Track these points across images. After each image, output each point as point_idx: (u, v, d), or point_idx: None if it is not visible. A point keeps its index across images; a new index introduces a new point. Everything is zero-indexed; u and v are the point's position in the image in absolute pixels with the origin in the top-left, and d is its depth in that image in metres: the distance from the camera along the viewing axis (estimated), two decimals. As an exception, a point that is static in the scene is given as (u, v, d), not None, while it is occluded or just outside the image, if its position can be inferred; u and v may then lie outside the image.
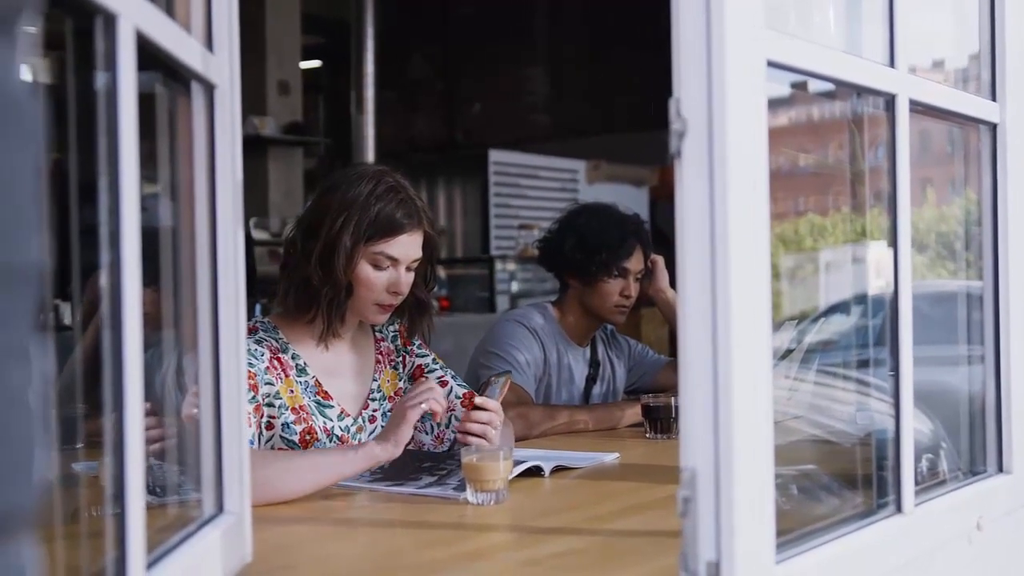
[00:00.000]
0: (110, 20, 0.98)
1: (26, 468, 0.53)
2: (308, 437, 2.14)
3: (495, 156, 8.11)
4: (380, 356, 2.35)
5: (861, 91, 1.54)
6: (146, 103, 1.07)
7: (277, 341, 2.18)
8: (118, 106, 0.99)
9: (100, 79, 0.99)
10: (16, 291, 0.52)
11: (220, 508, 1.35)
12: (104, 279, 0.98)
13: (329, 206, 2.16)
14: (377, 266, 2.17)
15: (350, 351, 2.30)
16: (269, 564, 1.47)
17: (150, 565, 1.06)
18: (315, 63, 9.87)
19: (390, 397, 2.32)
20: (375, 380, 2.32)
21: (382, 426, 2.25)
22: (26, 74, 0.55)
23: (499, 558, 1.57)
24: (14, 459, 0.52)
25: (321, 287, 2.14)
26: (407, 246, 2.18)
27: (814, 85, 1.52)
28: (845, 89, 1.57)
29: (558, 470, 2.14)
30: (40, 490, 0.55)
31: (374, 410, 2.29)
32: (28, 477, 0.53)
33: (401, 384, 2.36)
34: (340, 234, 2.13)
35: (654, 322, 6.68)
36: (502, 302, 7.34)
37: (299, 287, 2.18)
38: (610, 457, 2.32)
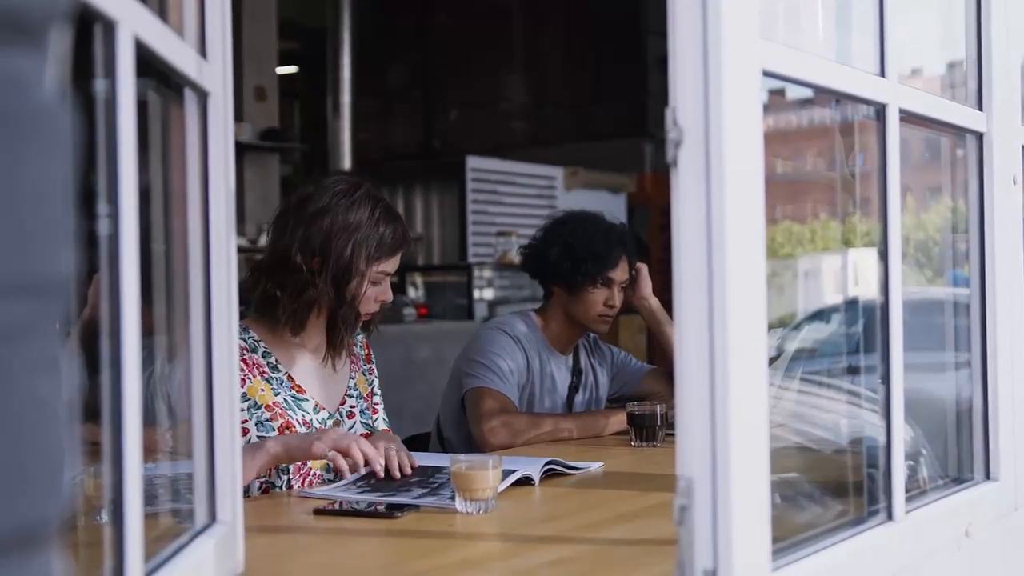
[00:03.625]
0: (109, 27, 0.97)
1: (56, 480, 0.53)
2: (287, 431, 2.20)
3: (472, 163, 8.09)
4: (354, 357, 2.44)
5: (853, 100, 1.54)
6: (138, 110, 1.06)
7: (246, 341, 2.21)
8: (117, 113, 0.98)
9: (99, 85, 0.99)
10: (47, 302, 0.51)
11: (213, 518, 1.34)
12: (104, 285, 0.97)
13: (330, 230, 2.20)
14: (374, 283, 2.27)
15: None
16: (261, 575, 1.46)
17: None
18: (291, 69, 9.85)
19: (365, 396, 2.41)
20: (351, 378, 2.40)
21: (361, 422, 2.38)
22: (57, 83, 0.55)
23: (491, 567, 1.56)
24: (45, 471, 0.52)
25: (336, 309, 2.23)
26: (398, 261, 2.32)
27: (792, 92, 1.53)
28: (825, 96, 1.58)
29: (549, 475, 2.14)
30: (68, 501, 0.54)
31: (351, 406, 2.38)
32: (58, 489, 0.53)
33: (370, 389, 2.46)
34: (354, 259, 2.21)
35: (631, 329, 6.70)
36: (480, 309, 7.33)
37: (308, 307, 2.22)
38: (595, 466, 2.32)
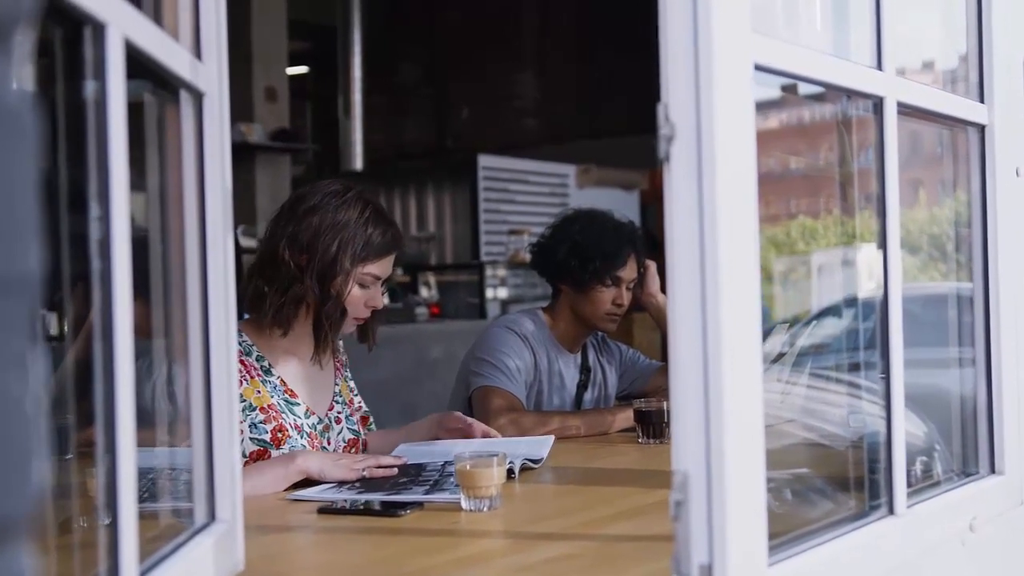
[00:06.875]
0: (99, 29, 0.97)
1: (24, 476, 0.53)
2: (280, 435, 2.23)
3: (484, 161, 8.09)
4: (338, 364, 2.48)
5: (849, 94, 1.54)
6: (133, 111, 1.06)
7: (241, 344, 2.23)
8: (107, 115, 0.98)
9: (89, 87, 0.99)
10: (14, 300, 0.52)
11: (212, 517, 1.35)
12: (95, 289, 0.98)
13: (318, 227, 2.24)
14: (362, 285, 2.29)
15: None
16: (261, 573, 1.46)
17: (143, 574, 1.06)
18: (302, 69, 9.85)
19: (348, 402, 2.45)
20: (336, 385, 2.44)
21: (347, 428, 2.41)
22: (23, 83, 0.55)
23: (493, 564, 1.56)
24: (13, 467, 0.52)
25: (321, 306, 2.25)
26: (389, 265, 2.33)
27: (803, 88, 1.52)
28: (834, 92, 1.58)
29: (557, 473, 2.16)
30: (37, 498, 0.55)
31: (338, 412, 2.41)
32: (26, 485, 0.54)
33: (351, 395, 2.49)
34: (339, 257, 2.23)
35: (645, 327, 6.69)
36: (492, 308, 7.33)
37: (294, 303, 2.25)
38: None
